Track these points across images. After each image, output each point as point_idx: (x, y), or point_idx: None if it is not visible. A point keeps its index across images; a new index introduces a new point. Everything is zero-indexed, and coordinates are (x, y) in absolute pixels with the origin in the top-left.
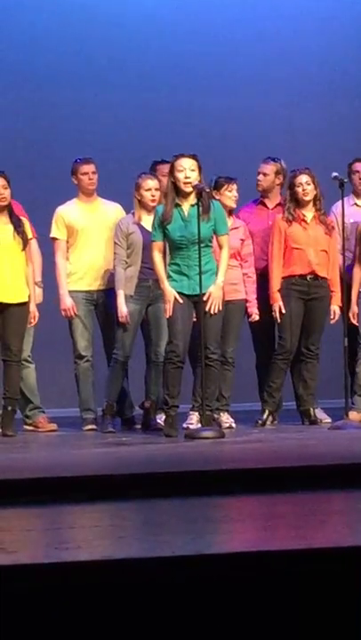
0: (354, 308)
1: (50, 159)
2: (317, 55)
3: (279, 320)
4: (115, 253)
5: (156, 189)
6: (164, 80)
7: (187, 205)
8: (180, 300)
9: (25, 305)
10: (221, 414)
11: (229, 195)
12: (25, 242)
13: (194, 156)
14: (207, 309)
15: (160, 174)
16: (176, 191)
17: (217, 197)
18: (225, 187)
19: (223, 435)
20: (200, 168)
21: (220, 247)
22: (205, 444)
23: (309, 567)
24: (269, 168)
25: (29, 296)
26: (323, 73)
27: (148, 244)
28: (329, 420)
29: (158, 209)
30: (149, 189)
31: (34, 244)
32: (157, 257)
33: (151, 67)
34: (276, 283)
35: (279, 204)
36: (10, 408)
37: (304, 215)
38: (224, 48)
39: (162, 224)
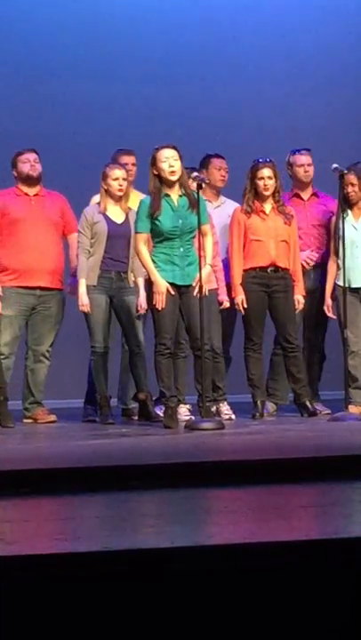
0: (328, 300)
1: (62, 151)
2: (319, 45)
3: (243, 312)
4: (78, 242)
5: (124, 179)
6: (166, 71)
7: (175, 196)
8: (172, 292)
9: None
10: (221, 405)
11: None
12: None
13: (174, 147)
14: (195, 293)
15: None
16: (160, 182)
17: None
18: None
19: (223, 426)
20: (181, 157)
21: (204, 235)
22: (205, 435)
23: (308, 558)
24: (310, 158)
25: None
26: (325, 63)
27: (112, 234)
28: (328, 411)
29: (144, 200)
30: (117, 179)
31: (75, 238)
32: (144, 248)
33: (152, 58)
34: (237, 276)
35: (313, 195)
36: (2, 398)
37: (263, 206)
38: (225, 39)
39: (150, 216)
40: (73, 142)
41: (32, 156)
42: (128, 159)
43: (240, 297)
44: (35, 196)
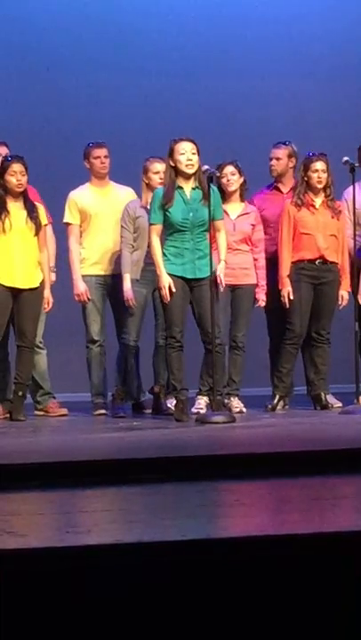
0: None
1: (61, 144)
2: (324, 37)
3: (288, 305)
4: (121, 237)
5: (165, 172)
6: (171, 64)
7: (188, 188)
8: (174, 289)
9: (38, 290)
10: (232, 399)
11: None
12: (38, 227)
13: (193, 140)
14: (220, 289)
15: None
16: (175, 174)
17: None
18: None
19: (234, 419)
20: (198, 152)
21: (218, 231)
22: (216, 428)
23: (319, 551)
24: (282, 152)
25: (43, 281)
26: (330, 55)
27: None
28: (340, 404)
29: (157, 192)
30: (157, 172)
31: (48, 230)
32: (156, 240)
33: (157, 50)
34: (285, 268)
35: (293, 189)
36: (20, 393)
37: (313, 200)
38: (231, 31)
39: (163, 207)
40: (82, 133)
41: (3, 151)
42: (100, 152)
43: (287, 289)
44: None
